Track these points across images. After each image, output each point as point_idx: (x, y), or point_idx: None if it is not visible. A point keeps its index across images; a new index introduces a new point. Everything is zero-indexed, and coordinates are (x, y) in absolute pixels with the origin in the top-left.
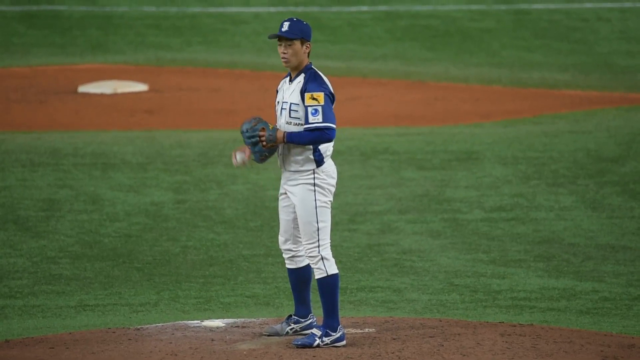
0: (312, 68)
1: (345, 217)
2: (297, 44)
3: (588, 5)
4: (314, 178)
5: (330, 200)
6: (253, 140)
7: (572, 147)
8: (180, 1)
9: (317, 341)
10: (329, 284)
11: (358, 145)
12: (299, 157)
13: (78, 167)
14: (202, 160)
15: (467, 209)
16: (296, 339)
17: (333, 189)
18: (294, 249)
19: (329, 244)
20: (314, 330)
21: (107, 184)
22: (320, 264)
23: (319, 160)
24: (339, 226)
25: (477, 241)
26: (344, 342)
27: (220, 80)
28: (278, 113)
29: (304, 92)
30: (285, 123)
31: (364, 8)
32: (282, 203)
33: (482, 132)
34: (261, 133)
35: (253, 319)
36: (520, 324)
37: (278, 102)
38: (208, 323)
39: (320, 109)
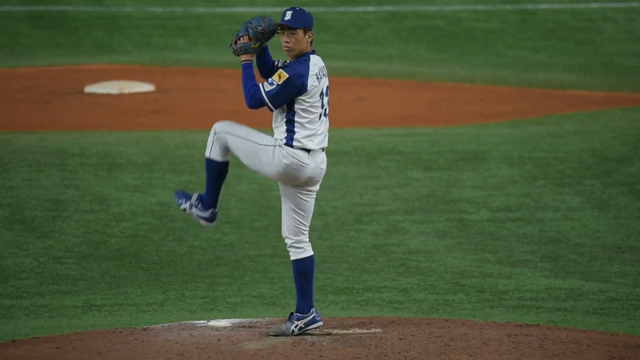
0: (308, 54)
1: (351, 218)
2: (300, 33)
3: (594, 5)
4: (278, 146)
5: (280, 167)
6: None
7: (578, 147)
8: (186, 1)
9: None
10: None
11: (364, 145)
12: (277, 125)
13: (84, 167)
14: None
15: (474, 209)
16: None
17: (296, 172)
18: (290, 238)
19: None
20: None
21: (113, 184)
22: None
23: (288, 140)
24: (345, 226)
25: (483, 241)
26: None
27: (226, 81)
28: None
29: (279, 68)
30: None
31: (370, 8)
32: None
33: (488, 133)
34: (242, 37)
35: (259, 319)
36: (526, 324)
37: None
38: (214, 323)
39: (276, 84)
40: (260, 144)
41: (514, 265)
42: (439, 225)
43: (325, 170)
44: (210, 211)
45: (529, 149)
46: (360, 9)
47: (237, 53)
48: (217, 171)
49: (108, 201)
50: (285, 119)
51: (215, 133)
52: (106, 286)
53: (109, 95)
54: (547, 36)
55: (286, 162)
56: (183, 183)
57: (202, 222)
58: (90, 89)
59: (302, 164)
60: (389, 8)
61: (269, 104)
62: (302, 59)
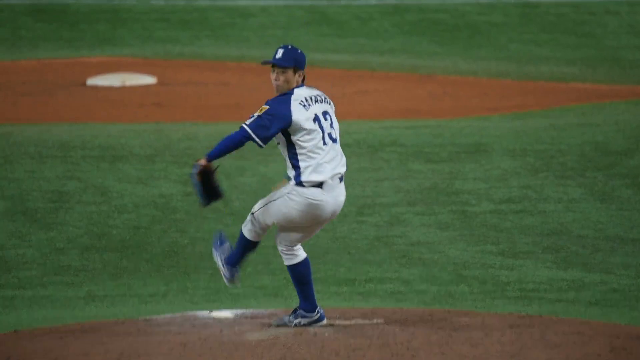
0: (292, 90)
1: (354, 209)
2: (290, 72)
3: None
4: (288, 193)
5: (300, 211)
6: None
7: (580, 140)
8: None
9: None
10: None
11: (366, 138)
12: (287, 168)
13: (86, 159)
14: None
15: (476, 201)
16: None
17: (317, 211)
18: (284, 247)
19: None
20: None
21: (116, 176)
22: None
23: (296, 178)
24: (347, 218)
25: (485, 233)
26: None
27: (229, 74)
28: None
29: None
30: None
31: (372, 2)
32: None
33: (490, 125)
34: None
35: (262, 310)
36: (528, 315)
37: None
38: (217, 314)
39: (255, 116)
40: (274, 199)
41: (516, 257)
42: (441, 216)
43: (344, 200)
44: (231, 269)
45: (531, 142)
46: (362, 2)
47: (205, 189)
48: (246, 245)
49: (110, 193)
50: (288, 155)
51: (252, 214)
52: (108, 277)
53: (111, 88)
54: (550, 29)
55: (302, 205)
56: (185, 175)
57: (225, 280)
58: (92, 81)
59: (317, 201)
60: (391, 1)
61: (253, 135)
62: (283, 95)
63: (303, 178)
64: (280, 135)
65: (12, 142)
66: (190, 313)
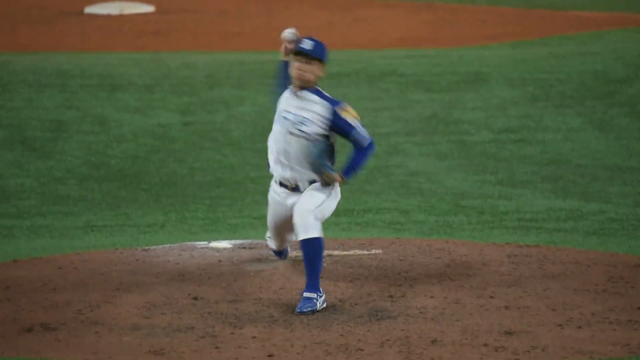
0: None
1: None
2: (316, 64)
3: None
4: (334, 187)
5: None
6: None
7: (580, 68)
8: None
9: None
10: (318, 249)
11: (365, 67)
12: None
13: (85, 88)
14: (209, 82)
15: (475, 130)
16: (299, 307)
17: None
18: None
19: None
20: (311, 295)
21: (114, 105)
22: (314, 221)
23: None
24: (345, 149)
25: (484, 162)
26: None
27: (227, 2)
28: (279, 119)
29: (336, 111)
30: (287, 132)
31: None
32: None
33: (489, 54)
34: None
35: (260, 240)
36: (526, 245)
37: (277, 110)
38: (215, 244)
39: (359, 124)
40: (325, 197)
41: (514, 186)
42: (440, 146)
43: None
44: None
45: (530, 70)
46: None
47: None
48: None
49: (109, 122)
50: (327, 153)
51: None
52: (107, 207)
53: (109, 16)
54: None
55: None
56: (184, 105)
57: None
58: (90, 9)
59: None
60: None
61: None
62: (318, 91)
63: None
64: (333, 134)
65: (11, 70)
66: (189, 243)
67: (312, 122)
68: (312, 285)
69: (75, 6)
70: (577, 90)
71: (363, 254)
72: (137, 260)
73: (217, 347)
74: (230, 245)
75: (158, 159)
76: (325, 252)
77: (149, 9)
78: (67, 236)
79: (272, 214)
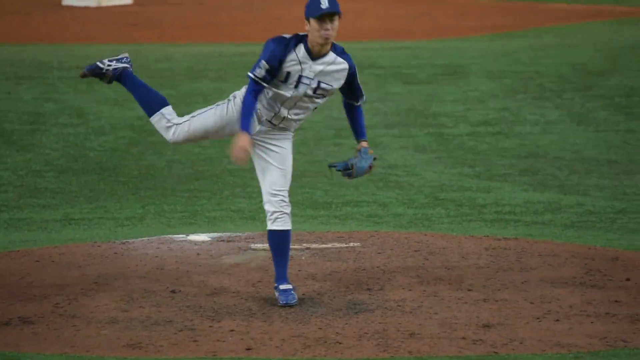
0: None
1: (331, 132)
2: (338, 19)
3: None
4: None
5: None
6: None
7: (559, 60)
8: None
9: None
10: (289, 241)
11: None
12: (300, 120)
13: (63, 80)
14: (188, 74)
15: (453, 123)
16: (283, 301)
17: None
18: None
19: None
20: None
21: (93, 97)
22: (288, 209)
23: None
24: (324, 141)
25: (462, 155)
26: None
27: None
28: (290, 85)
29: (355, 72)
30: (303, 95)
31: None
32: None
33: (468, 47)
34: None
35: (238, 233)
36: (505, 238)
37: (290, 74)
38: (194, 237)
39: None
40: None
41: (492, 179)
42: (419, 139)
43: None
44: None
45: (509, 63)
46: None
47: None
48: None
49: (87, 115)
50: (319, 104)
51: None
52: (85, 200)
53: (87, 8)
54: None
55: None
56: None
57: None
58: (68, 1)
59: None
60: None
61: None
62: (341, 50)
63: None
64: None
65: None
66: (167, 236)
67: (337, 82)
68: (285, 277)
69: None
70: (555, 82)
71: (341, 247)
72: (116, 253)
73: (195, 341)
74: (209, 239)
75: (136, 152)
76: (304, 245)
77: (127, 1)
78: (44, 229)
79: (217, 123)
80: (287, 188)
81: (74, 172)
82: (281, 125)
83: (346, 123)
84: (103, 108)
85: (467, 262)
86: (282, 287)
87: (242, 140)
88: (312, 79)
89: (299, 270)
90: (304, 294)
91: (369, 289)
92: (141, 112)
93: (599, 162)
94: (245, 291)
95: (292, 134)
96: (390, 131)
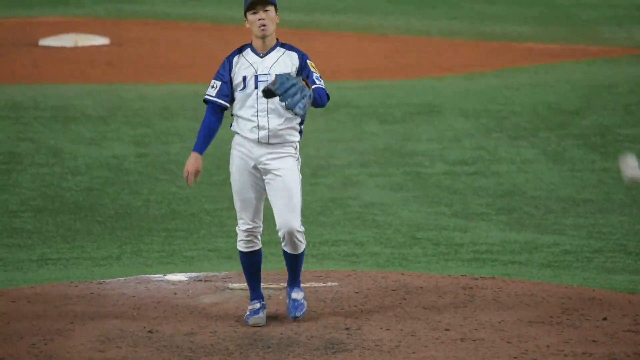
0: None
1: (308, 171)
2: (272, 10)
3: None
4: (297, 151)
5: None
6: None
7: (533, 100)
8: None
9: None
10: (303, 255)
11: None
12: (286, 128)
13: (39, 120)
14: (164, 113)
15: (429, 162)
16: (293, 313)
17: None
18: (257, 229)
19: None
20: (298, 295)
21: (68, 137)
22: (302, 237)
23: (302, 132)
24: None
25: (439, 194)
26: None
27: (181, 33)
28: (250, 87)
29: (306, 61)
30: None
31: None
32: (251, 180)
33: (443, 86)
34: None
35: (216, 273)
36: (482, 277)
37: (246, 77)
38: (171, 277)
39: (320, 76)
40: (300, 181)
41: (469, 218)
42: (395, 178)
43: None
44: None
45: (484, 102)
46: None
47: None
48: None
49: (63, 154)
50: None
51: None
52: (62, 240)
53: (63, 48)
54: None
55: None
56: (139, 136)
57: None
58: (44, 42)
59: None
60: None
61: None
62: (288, 45)
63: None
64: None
65: None
66: (144, 276)
67: (287, 68)
68: (298, 284)
69: (30, 38)
70: (530, 121)
71: (319, 287)
72: (92, 293)
73: None
74: (186, 278)
75: (113, 191)
76: (282, 285)
77: (104, 41)
78: (21, 269)
79: (240, 187)
80: (296, 213)
81: (50, 212)
82: (272, 141)
83: (322, 162)
84: (79, 147)
85: (444, 302)
86: (293, 294)
87: (190, 160)
88: (268, 74)
89: (277, 310)
90: (281, 334)
91: (347, 329)
92: (117, 151)
93: (574, 201)
94: (223, 331)
95: (295, 149)
96: (367, 170)
